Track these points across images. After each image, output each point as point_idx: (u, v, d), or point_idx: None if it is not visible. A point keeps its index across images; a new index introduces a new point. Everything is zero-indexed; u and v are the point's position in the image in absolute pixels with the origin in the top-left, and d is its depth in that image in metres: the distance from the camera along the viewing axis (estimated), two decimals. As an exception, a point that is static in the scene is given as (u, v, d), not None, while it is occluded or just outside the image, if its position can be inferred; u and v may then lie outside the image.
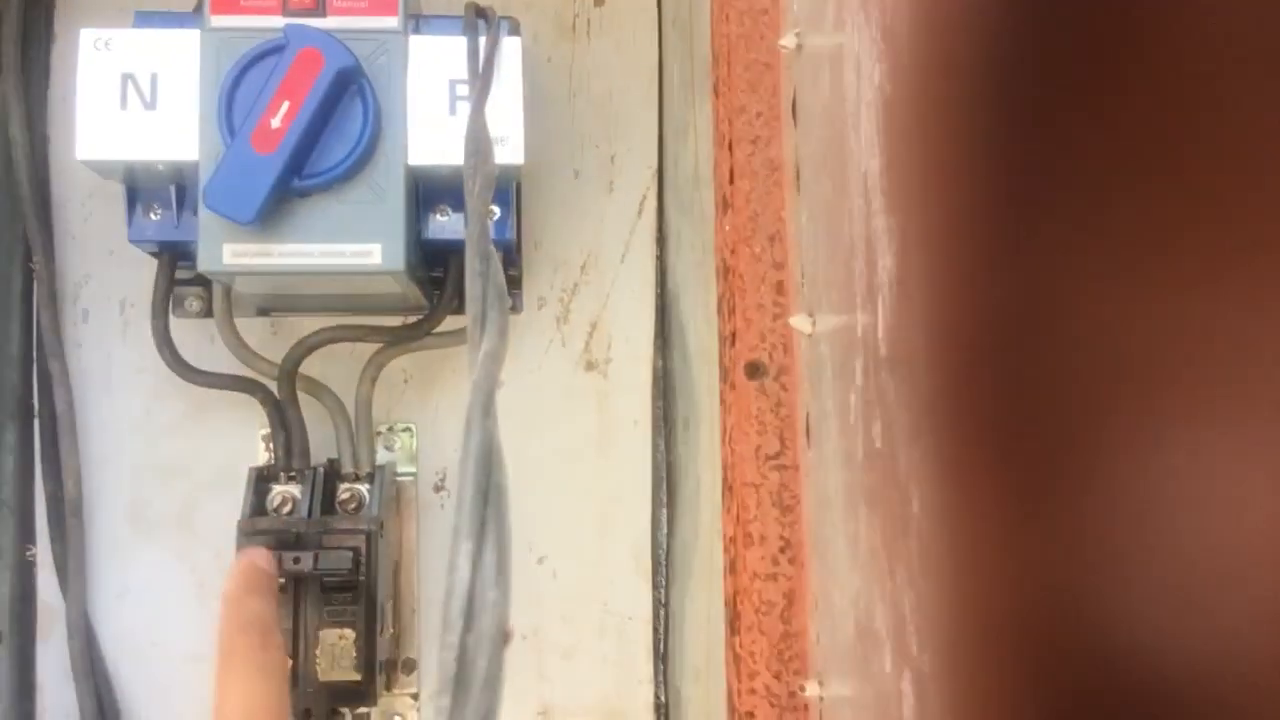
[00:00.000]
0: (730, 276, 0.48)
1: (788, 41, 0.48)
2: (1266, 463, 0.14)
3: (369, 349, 0.66)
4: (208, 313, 0.66)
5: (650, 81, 0.72)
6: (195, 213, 0.54)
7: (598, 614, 0.69)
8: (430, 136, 0.55)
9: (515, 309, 0.70)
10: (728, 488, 0.47)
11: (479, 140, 0.47)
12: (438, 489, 0.69)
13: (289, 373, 0.63)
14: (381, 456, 0.68)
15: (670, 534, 0.70)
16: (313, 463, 0.63)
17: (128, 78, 0.54)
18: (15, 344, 0.67)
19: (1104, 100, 0.17)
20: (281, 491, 0.61)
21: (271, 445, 0.64)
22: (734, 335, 0.48)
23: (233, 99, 0.54)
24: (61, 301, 0.67)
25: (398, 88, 0.55)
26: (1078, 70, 0.17)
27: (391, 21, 0.56)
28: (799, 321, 0.46)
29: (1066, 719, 0.18)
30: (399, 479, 0.68)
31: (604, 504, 0.70)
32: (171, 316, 0.62)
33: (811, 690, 0.43)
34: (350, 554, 0.57)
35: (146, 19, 0.56)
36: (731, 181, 0.49)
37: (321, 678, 0.58)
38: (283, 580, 0.57)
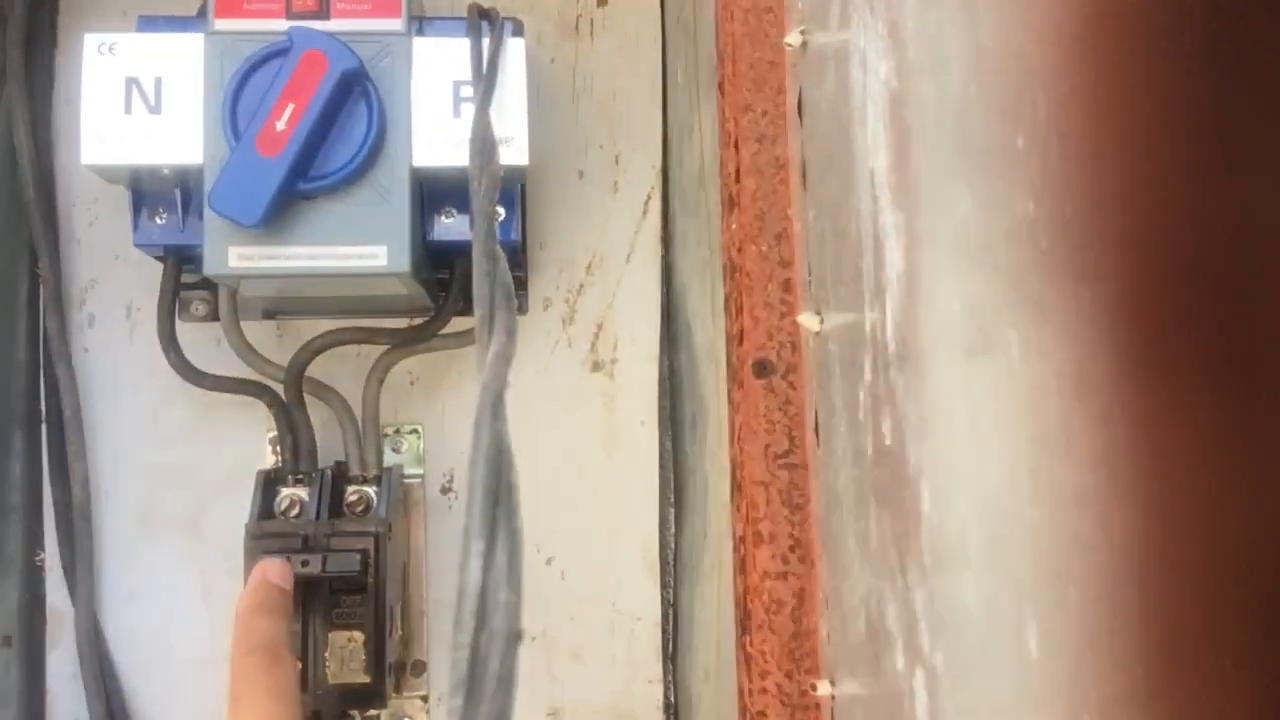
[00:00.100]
0: (737, 275, 0.48)
1: (793, 39, 0.48)
2: None
3: (375, 351, 0.66)
4: (214, 316, 0.66)
5: (654, 81, 0.72)
6: (200, 216, 0.54)
7: (606, 614, 0.69)
8: (435, 138, 0.55)
9: (521, 310, 0.70)
10: (737, 486, 0.47)
11: (484, 141, 0.47)
12: (445, 490, 0.69)
13: (295, 375, 0.63)
14: (389, 458, 0.68)
15: (678, 533, 0.70)
16: (320, 465, 0.63)
17: (132, 82, 0.54)
18: (22, 349, 0.67)
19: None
20: (289, 494, 0.61)
21: (279, 448, 0.64)
22: (741, 334, 0.47)
23: (237, 102, 0.54)
24: (68, 306, 0.67)
25: (402, 90, 0.55)
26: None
27: (395, 23, 0.56)
28: (807, 319, 0.46)
29: None
30: (406, 481, 0.68)
31: (612, 504, 0.70)
32: (177, 320, 0.62)
33: (823, 689, 0.43)
34: (359, 556, 0.57)
35: (150, 23, 0.56)
36: (738, 180, 0.49)
37: (331, 680, 0.58)
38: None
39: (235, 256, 0.54)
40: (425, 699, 0.67)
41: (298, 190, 0.53)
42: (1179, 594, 0.20)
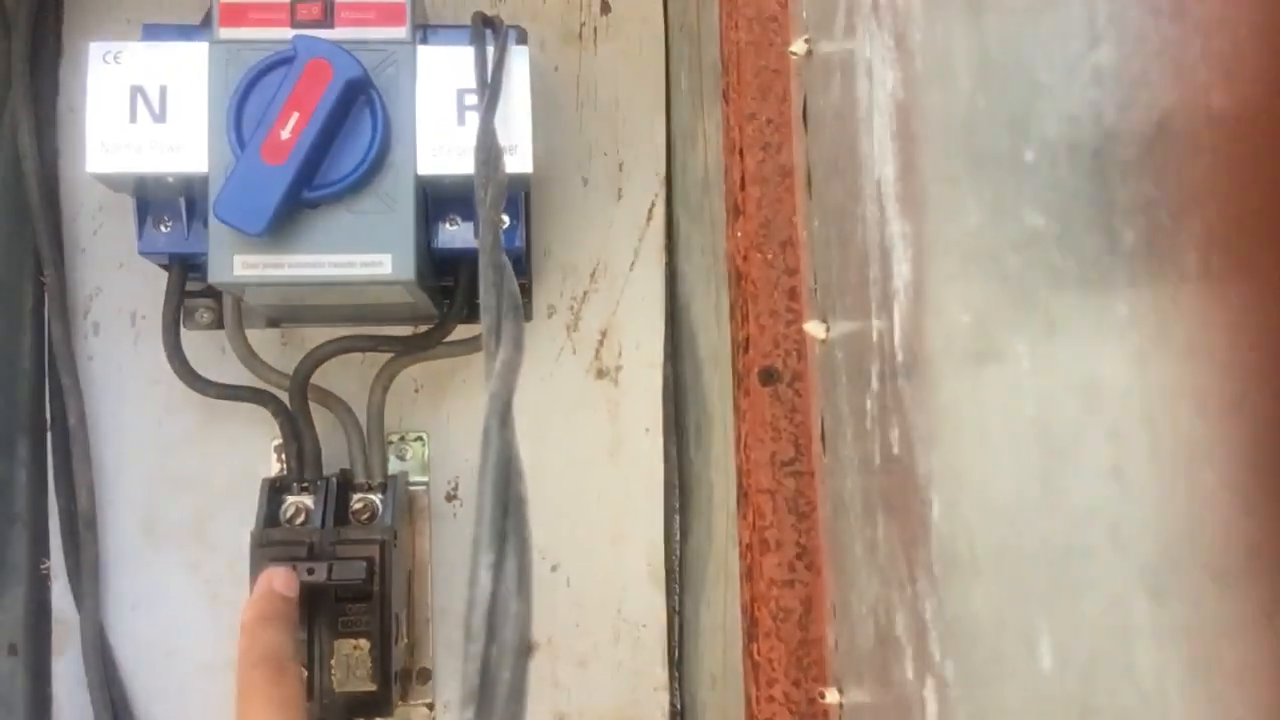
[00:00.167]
0: (743, 283, 0.48)
1: (798, 48, 0.48)
2: None
3: (380, 359, 0.66)
4: (218, 324, 0.66)
5: (658, 89, 0.72)
6: (205, 224, 0.54)
7: (612, 622, 0.69)
8: (439, 146, 0.55)
9: (525, 317, 0.70)
10: (743, 494, 0.47)
11: (489, 149, 0.47)
12: (450, 498, 0.69)
13: (300, 383, 0.63)
14: (394, 466, 0.68)
15: (683, 541, 0.70)
16: (325, 473, 0.63)
17: (137, 90, 0.54)
18: (27, 358, 0.67)
19: None
20: (295, 502, 0.61)
21: (284, 456, 0.64)
22: (747, 341, 0.47)
23: (242, 111, 0.54)
24: (72, 315, 0.67)
25: (406, 98, 0.55)
26: None
27: (399, 32, 0.56)
28: (813, 327, 0.46)
29: None
30: (411, 488, 0.68)
31: (617, 512, 0.70)
32: (182, 328, 0.62)
33: (831, 697, 0.43)
34: (364, 564, 0.57)
35: (155, 32, 0.56)
36: (743, 188, 0.49)
37: (337, 688, 0.58)
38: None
39: (240, 264, 0.54)
40: (431, 707, 0.67)
41: (302, 198, 0.53)
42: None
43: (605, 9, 0.73)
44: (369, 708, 0.59)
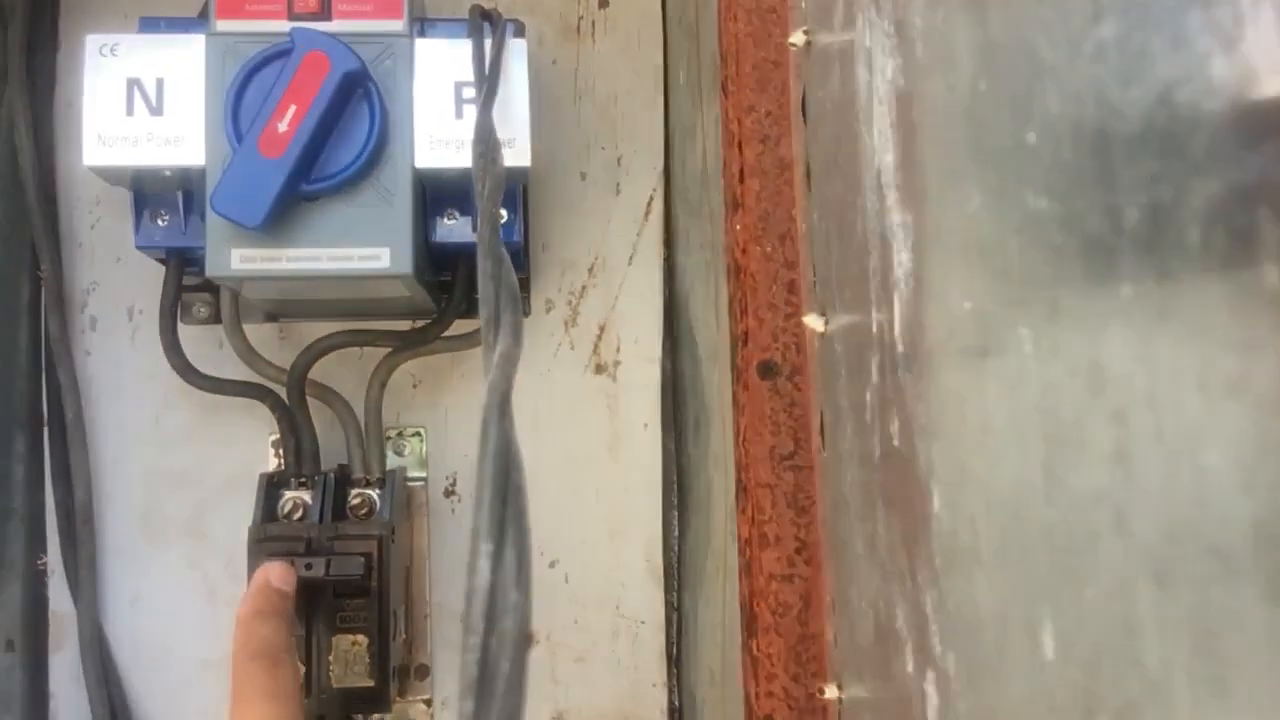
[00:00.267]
0: (742, 276, 0.48)
1: (796, 39, 0.48)
2: None
3: (378, 354, 0.66)
4: (216, 319, 0.66)
5: (655, 82, 0.72)
6: (203, 218, 0.54)
7: (610, 617, 0.69)
8: (437, 139, 0.55)
9: (523, 312, 0.70)
10: (742, 489, 0.47)
11: (487, 142, 0.47)
12: (448, 493, 0.69)
13: (298, 378, 0.63)
14: (391, 461, 0.67)
15: (682, 536, 0.70)
16: (323, 468, 0.63)
17: (134, 83, 0.54)
18: (24, 352, 0.67)
19: None
20: (292, 497, 0.60)
21: (281, 451, 0.64)
22: (746, 335, 0.47)
23: (239, 103, 0.53)
24: (69, 309, 0.67)
25: (404, 91, 0.55)
26: None
27: (397, 24, 0.56)
28: (812, 320, 0.45)
29: None
30: (409, 483, 0.68)
31: (615, 507, 0.69)
32: (179, 323, 0.62)
33: (830, 692, 0.42)
34: (362, 559, 0.57)
35: (151, 24, 0.56)
36: (741, 181, 0.49)
37: (335, 684, 0.57)
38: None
39: (237, 258, 0.53)
40: (429, 703, 0.67)
41: (300, 192, 0.53)
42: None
43: (603, 3, 0.72)
44: (367, 703, 0.59)
